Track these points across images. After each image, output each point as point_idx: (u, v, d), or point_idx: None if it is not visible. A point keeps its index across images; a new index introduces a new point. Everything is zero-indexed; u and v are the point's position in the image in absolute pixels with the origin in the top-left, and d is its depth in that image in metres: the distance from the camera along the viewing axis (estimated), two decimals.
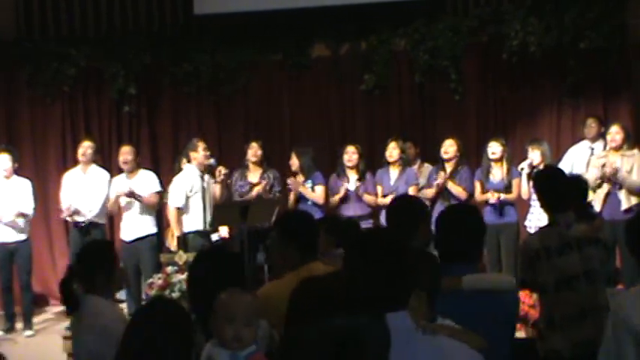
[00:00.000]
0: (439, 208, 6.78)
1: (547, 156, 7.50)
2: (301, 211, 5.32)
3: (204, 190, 7.50)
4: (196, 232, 7.38)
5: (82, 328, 3.48)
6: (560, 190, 4.07)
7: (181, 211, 7.41)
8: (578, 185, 4.86)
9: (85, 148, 7.90)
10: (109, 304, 3.60)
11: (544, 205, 4.22)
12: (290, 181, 7.74)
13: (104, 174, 7.99)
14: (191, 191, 7.43)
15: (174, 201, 7.44)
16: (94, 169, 7.98)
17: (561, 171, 4.67)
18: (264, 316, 2.84)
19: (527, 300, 6.65)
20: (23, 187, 7.84)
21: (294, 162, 7.88)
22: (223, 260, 3.21)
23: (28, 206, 7.79)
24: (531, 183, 7.10)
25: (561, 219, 3.98)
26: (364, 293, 2.09)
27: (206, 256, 3.39)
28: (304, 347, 1.71)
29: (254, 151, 7.95)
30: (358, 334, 1.71)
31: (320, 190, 7.77)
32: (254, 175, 7.97)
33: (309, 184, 7.75)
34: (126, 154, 7.79)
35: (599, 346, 2.90)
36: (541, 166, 7.34)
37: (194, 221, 7.42)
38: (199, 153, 7.55)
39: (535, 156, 7.45)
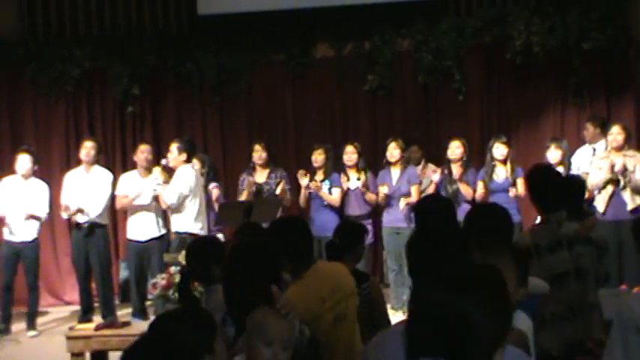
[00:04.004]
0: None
1: (567, 155, 7.48)
2: (292, 218, 5.15)
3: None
4: None
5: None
6: (550, 189, 4.02)
7: None
8: (571, 185, 4.82)
9: (89, 148, 7.81)
10: None
11: (534, 204, 4.14)
12: (312, 184, 7.69)
13: (107, 174, 7.94)
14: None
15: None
16: (97, 169, 7.92)
17: (553, 169, 4.61)
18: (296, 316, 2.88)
19: None
20: (40, 190, 7.77)
21: (319, 159, 7.84)
22: (264, 255, 3.12)
23: (43, 210, 7.72)
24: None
25: (552, 217, 3.95)
26: None
27: (247, 249, 3.26)
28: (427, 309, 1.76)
29: (259, 154, 7.95)
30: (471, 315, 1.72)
31: (337, 192, 7.75)
32: (261, 175, 7.97)
33: (326, 184, 7.74)
34: (147, 152, 7.81)
35: (587, 345, 2.88)
36: (560, 167, 7.34)
37: None
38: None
39: (557, 155, 7.43)
